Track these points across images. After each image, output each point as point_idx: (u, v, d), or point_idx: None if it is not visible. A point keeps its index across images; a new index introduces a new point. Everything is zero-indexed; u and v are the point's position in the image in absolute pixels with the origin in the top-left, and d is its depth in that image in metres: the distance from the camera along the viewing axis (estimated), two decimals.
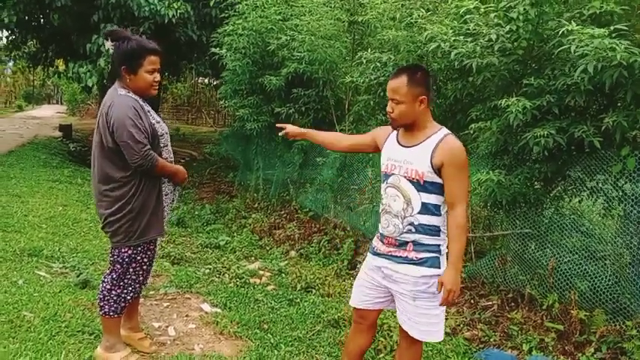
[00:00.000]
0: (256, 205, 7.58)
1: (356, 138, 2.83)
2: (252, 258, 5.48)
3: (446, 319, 3.91)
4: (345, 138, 2.84)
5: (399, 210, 2.34)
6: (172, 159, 2.85)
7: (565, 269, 3.70)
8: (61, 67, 13.69)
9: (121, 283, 2.68)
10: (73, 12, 9.68)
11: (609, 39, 2.91)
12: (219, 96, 8.63)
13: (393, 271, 2.37)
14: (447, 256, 2.33)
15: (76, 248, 4.86)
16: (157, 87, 2.75)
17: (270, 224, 6.60)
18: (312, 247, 5.60)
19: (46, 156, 11.20)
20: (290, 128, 2.85)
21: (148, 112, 2.69)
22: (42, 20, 11.17)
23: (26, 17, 10.50)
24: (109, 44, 2.71)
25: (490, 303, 4.03)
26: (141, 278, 2.76)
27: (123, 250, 2.66)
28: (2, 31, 11.51)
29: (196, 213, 7.44)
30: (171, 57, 11.63)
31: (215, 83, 13.98)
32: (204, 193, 9.20)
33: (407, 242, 2.33)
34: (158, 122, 2.74)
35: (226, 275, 4.68)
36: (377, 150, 2.58)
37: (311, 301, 4.14)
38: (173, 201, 2.90)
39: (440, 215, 2.31)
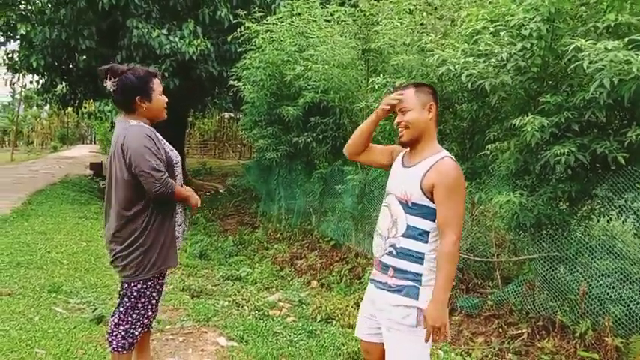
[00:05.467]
0: (278, 236, 7.54)
1: (375, 151, 2.50)
2: (273, 289, 5.39)
3: (472, 349, 3.77)
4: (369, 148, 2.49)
5: (384, 229, 2.25)
6: (180, 186, 2.80)
7: (597, 293, 3.52)
8: (90, 108, 14.13)
9: (129, 318, 2.61)
10: (98, 53, 10.04)
11: (625, 51, 2.81)
12: (240, 128, 8.74)
13: (375, 297, 2.29)
14: (431, 289, 2.16)
15: (96, 283, 4.87)
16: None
17: (291, 254, 6.54)
18: (333, 276, 5.49)
19: (75, 194, 11.45)
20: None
21: (163, 141, 2.68)
22: (70, 63, 11.61)
23: (55, 62, 10.94)
24: (109, 83, 2.60)
25: (519, 331, 3.84)
26: (150, 313, 2.68)
27: (132, 284, 2.60)
28: (33, 76, 11.99)
29: (219, 245, 7.43)
30: (193, 93, 11.90)
31: (239, 117, 14.22)
32: (228, 225, 9.21)
33: (388, 267, 2.22)
34: (172, 150, 2.72)
35: (245, 307, 4.60)
36: (388, 168, 2.47)
37: (331, 332, 4.01)
38: (184, 231, 2.85)
39: (426, 242, 2.16)
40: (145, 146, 2.47)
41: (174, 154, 2.73)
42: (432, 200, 2.13)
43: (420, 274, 2.16)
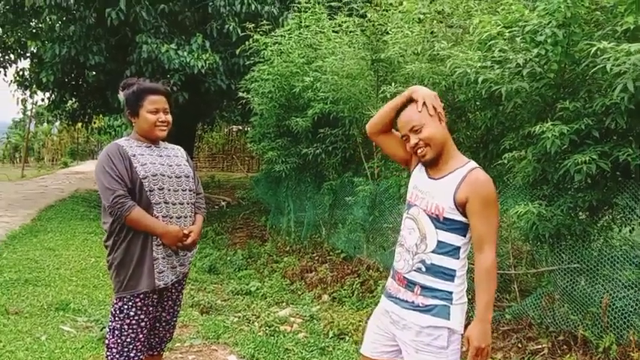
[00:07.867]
0: (288, 249, 7.44)
1: (395, 138, 2.26)
2: (284, 304, 5.29)
3: None
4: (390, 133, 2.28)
5: (411, 245, 2.11)
6: (172, 202, 2.57)
7: (621, 306, 3.38)
8: (100, 123, 14.19)
9: (119, 340, 2.49)
10: (107, 69, 10.09)
11: None
12: (248, 140, 8.70)
13: (399, 317, 2.13)
14: (461, 307, 2.06)
15: (105, 300, 4.78)
16: (164, 128, 2.60)
17: (302, 267, 6.42)
18: (344, 290, 5.37)
19: (84, 209, 11.40)
20: None
21: (139, 155, 2.52)
22: (79, 79, 11.68)
23: (64, 78, 11.00)
24: (120, 95, 2.64)
25: (540, 347, 3.71)
26: (141, 337, 2.52)
27: (115, 301, 2.52)
28: (44, 93, 12.09)
29: (228, 259, 7.34)
30: (202, 106, 11.91)
31: (247, 129, 14.21)
32: (237, 239, 9.11)
33: (415, 284, 2.09)
34: (143, 165, 2.50)
35: (255, 323, 4.50)
36: (406, 164, 2.32)
37: (344, 349, 3.90)
38: (185, 255, 2.65)
39: (458, 259, 2.05)
40: (101, 164, 2.48)
41: (147, 169, 2.50)
42: (463, 214, 2.01)
43: (451, 292, 2.04)
